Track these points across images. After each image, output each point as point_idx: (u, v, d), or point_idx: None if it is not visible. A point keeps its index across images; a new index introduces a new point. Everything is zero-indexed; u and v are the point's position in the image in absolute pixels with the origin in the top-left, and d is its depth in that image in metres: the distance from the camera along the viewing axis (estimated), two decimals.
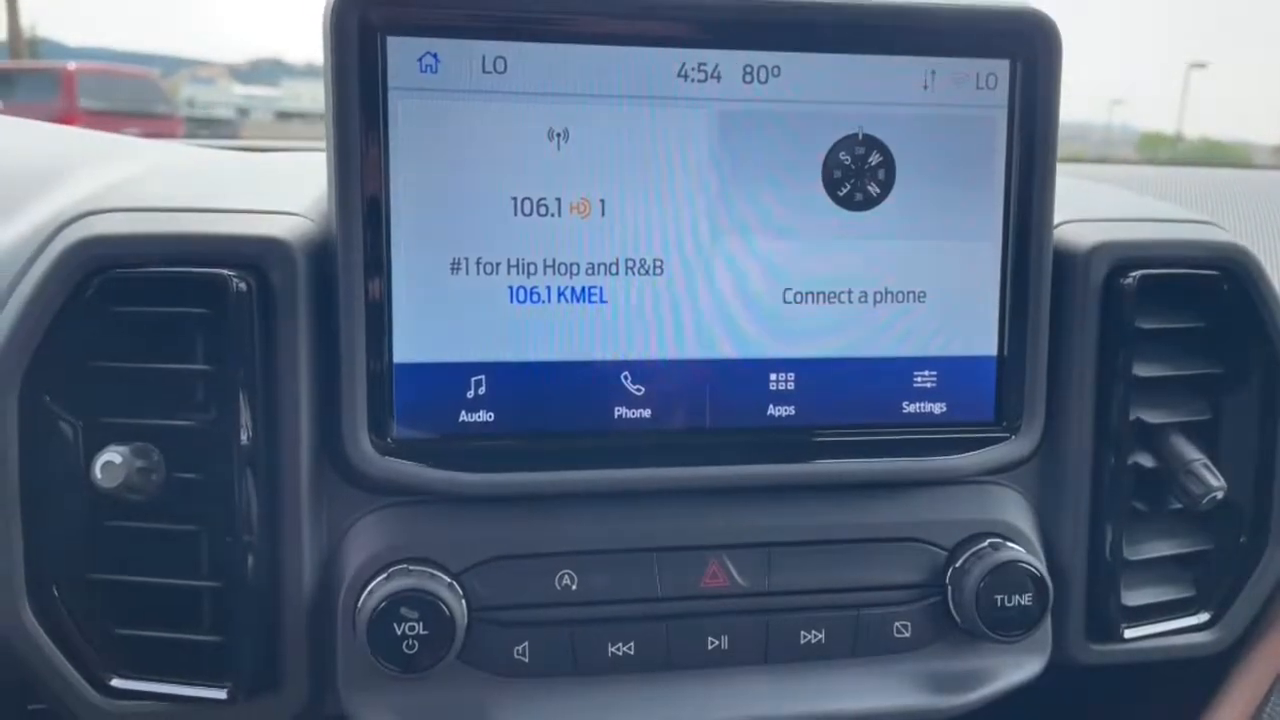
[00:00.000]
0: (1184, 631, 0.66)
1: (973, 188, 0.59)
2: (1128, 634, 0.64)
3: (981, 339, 0.61)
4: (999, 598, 0.59)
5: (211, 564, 0.55)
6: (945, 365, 0.60)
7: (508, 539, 0.57)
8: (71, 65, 10.08)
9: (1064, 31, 0.59)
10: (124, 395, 0.54)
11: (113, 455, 0.51)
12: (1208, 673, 0.69)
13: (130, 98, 10.32)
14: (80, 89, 9.59)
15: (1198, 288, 0.64)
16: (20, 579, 0.53)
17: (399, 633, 0.54)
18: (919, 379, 0.60)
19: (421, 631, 0.54)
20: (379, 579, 0.55)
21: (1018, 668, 0.62)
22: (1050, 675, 0.63)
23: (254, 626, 0.55)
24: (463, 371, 0.56)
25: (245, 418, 0.54)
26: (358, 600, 0.55)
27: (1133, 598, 0.65)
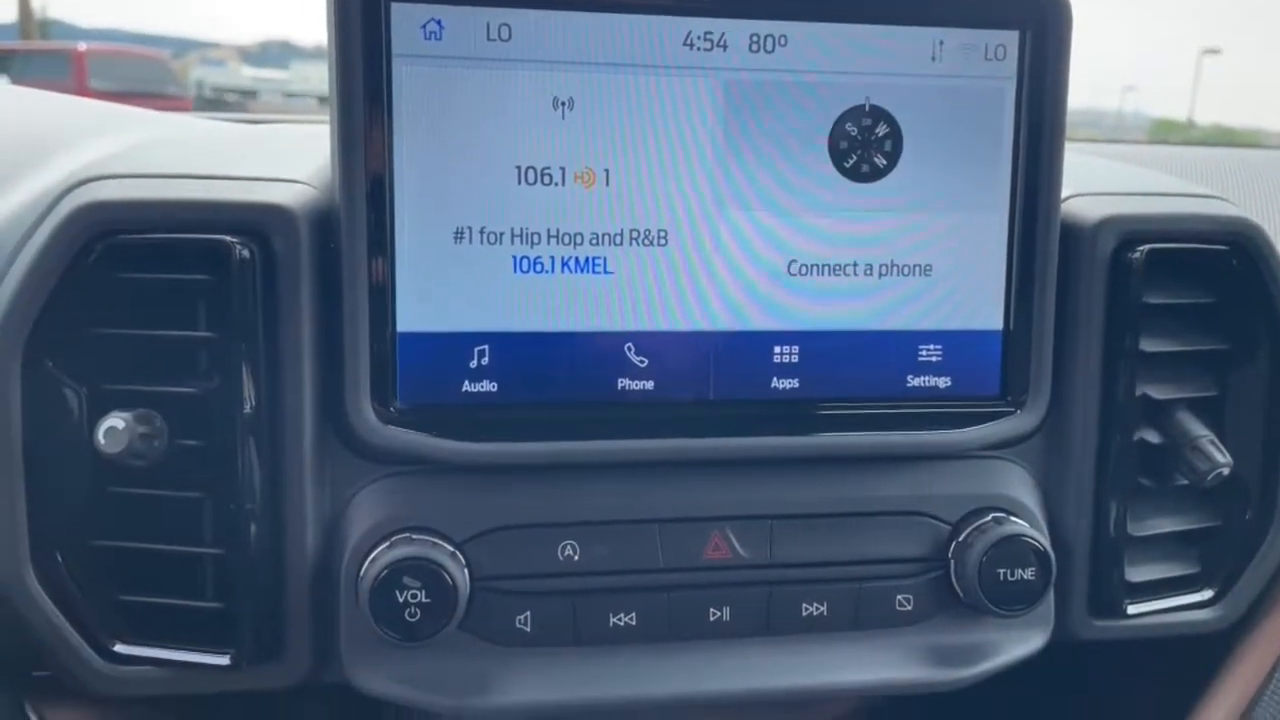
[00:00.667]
0: (1187, 608, 0.66)
1: (980, 160, 0.59)
2: (1131, 610, 0.64)
3: (987, 313, 0.60)
4: (1002, 572, 0.59)
5: (214, 531, 0.56)
6: (950, 339, 0.60)
7: (510, 509, 0.57)
8: (82, 46, 10.08)
9: (1076, 12, 0.58)
10: (127, 362, 0.54)
11: (115, 421, 0.51)
12: (1211, 650, 0.69)
13: (140, 79, 10.31)
14: (90, 70, 9.60)
15: (1206, 263, 0.64)
16: (24, 544, 0.54)
17: (401, 601, 0.54)
18: (924, 353, 0.60)
19: (424, 600, 0.54)
20: (381, 547, 0.55)
21: (1020, 642, 0.62)
22: (1052, 650, 0.63)
23: (257, 594, 0.56)
24: (466, 341, 0.56)
25: (248, 385, 0.54)
26: (360, 568, 0.55)
27: (1136, 574, 0.64)
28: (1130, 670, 0.73)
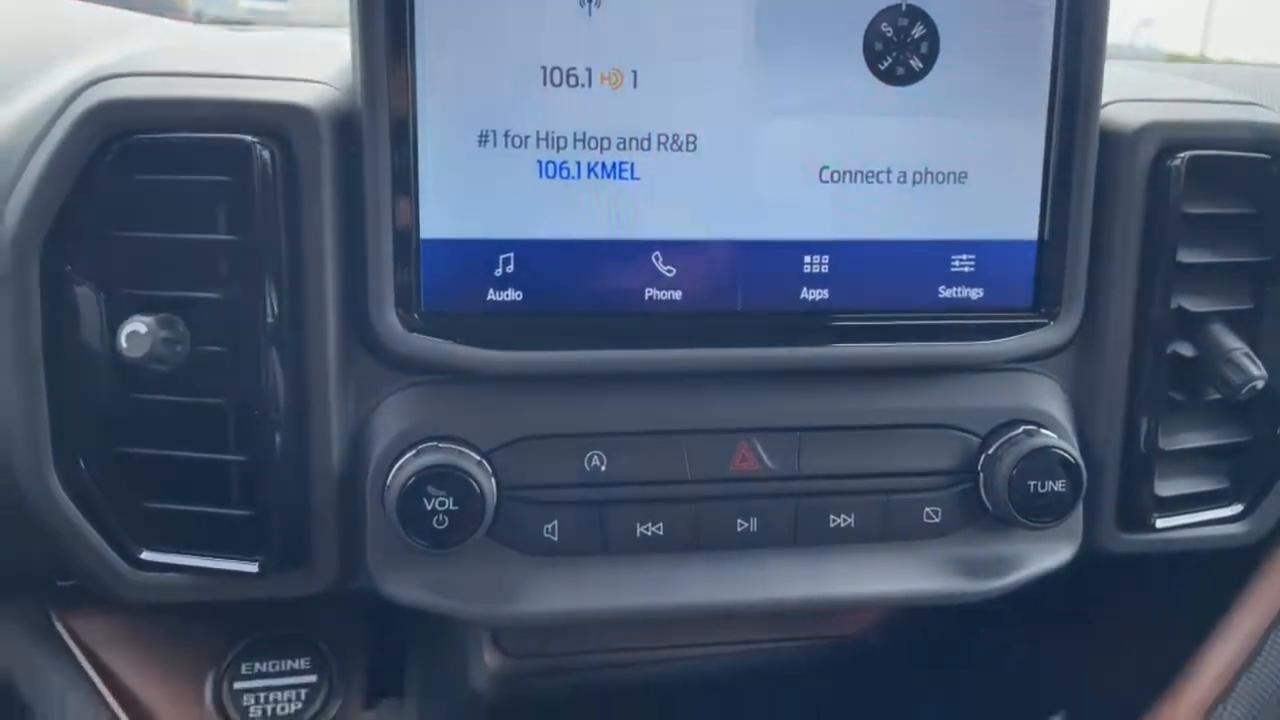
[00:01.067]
0: (1216, 523, 0.65)
1: (1019, 63, 0.57)
2: (1159, 524, 0.64)
3: (1022, 222, 0.59)
4: (1032, 484, 0.58)
5: (239, 438, 0.55)
6: (984, 249, 0.59)
7: (537, 419, 0.57)
8: None
9: None
10: (147, 266, 0.53)
11: (137, 325, 0.50)
12: (1238, 565, 0.69)
13: (140, 4, 10.14)
14: None
15: (1246, 171, 0.62)
16: (47, 451, 0.53)
17: (429, 508, 0.53)
18: (957, 263, 0.59)
19: (452, 507, 0.53)
20: (408, 455, 0.54)
21: (1048, 554, 0.62)
22: (1079, 565, 0.63)
23: (282, 501, 0.55)
24: (490, 249, 0.55)
25: (270, 290, 0.53)
26: (387, 476, 0.54)
27: (1166, 488, 0.64)
28: (1157, 585, 0.73)
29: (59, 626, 0.63)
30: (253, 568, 0.55)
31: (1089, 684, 0.72)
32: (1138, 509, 0.64)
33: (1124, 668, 0.72)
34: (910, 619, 0.81)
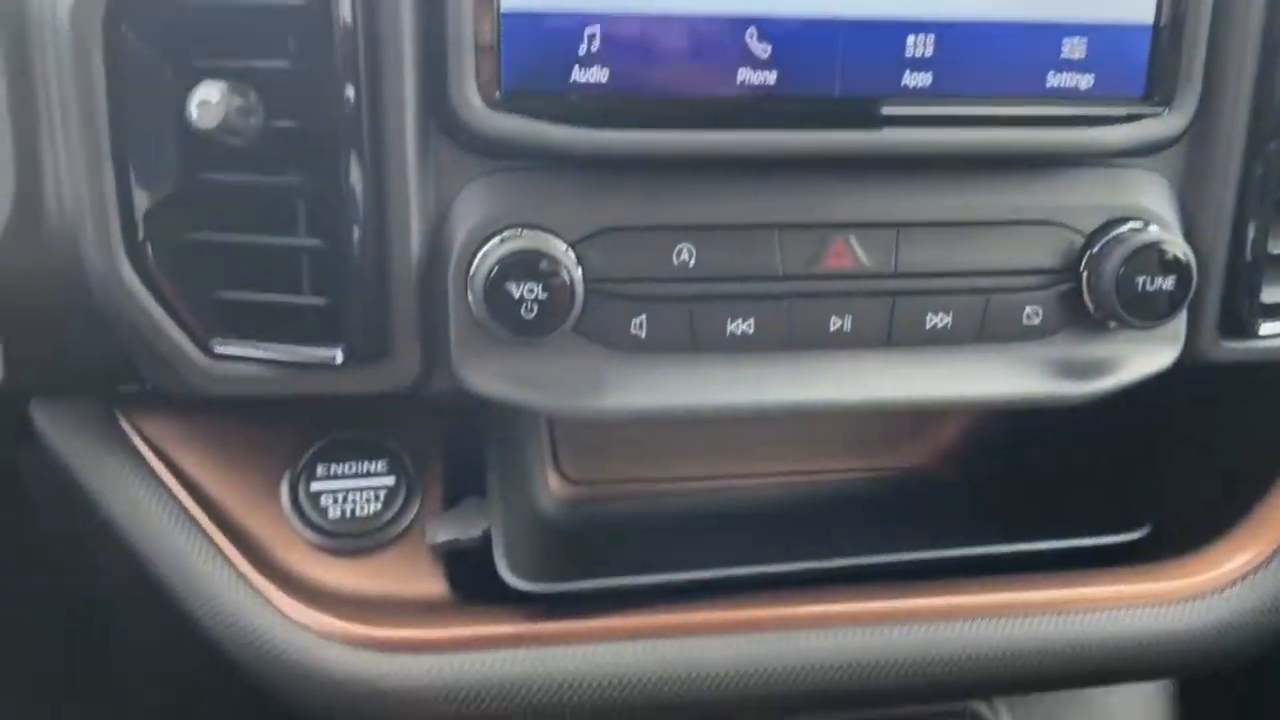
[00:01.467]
0: None
1: None
2: (1263, 330, 0.61)
3: (1138, 4, 0.55)
4: (1141, 280, 0.56)
5: (312, 223, 0.52)
6: (1096, 33, 0.55)
7: (624, 209, 0.54)
8: None
9: None
10: (214, 34, 0.50)
11: (209, 92, 0.47)
12: None
13: None
14: None
15: None
16: (118, 236, 0.51)
17: (517, 296, 0.51)
18: (1067, 47, 0.55)
19: (540, 295, 0.51)
20: (493, 241, 0.52)
21: (1149, 358, 0.60)
22: (1173, 377, 0.61)
23: (360, 289, 0.53)
24: (575, 22, 0.51)
25: (343, 60, 0.49)
26: (471, 264, 0.52)
27: (1272, 294, 0.61)
28: (1249, 398, 0.71)
29: (124, 424, 0.61)
30: (329, 358, 0.53)
31: (1176, 498, 0.71)
32: (1241, 315, 0.61)
33: (1212, 482, 0.71)
34: (983, 445, 0.79)
